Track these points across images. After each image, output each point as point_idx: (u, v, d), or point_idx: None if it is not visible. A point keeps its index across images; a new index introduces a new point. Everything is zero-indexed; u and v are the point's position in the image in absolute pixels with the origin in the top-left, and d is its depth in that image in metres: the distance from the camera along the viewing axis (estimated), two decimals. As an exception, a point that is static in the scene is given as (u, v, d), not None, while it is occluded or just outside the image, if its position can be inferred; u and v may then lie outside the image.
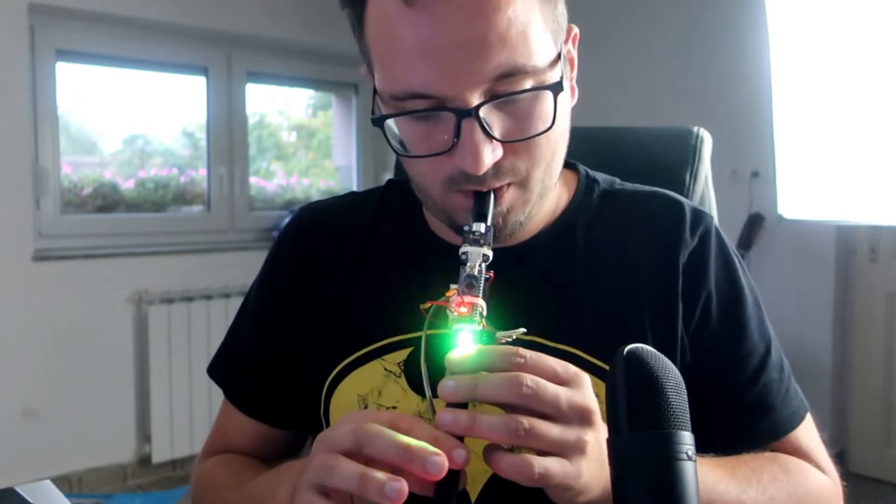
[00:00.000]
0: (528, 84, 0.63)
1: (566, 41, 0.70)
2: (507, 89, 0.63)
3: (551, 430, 0.54)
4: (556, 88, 0.64)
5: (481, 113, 0.62)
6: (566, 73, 0.68)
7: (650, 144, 1.04)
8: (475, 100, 0.62)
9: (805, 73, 2.80)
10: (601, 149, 1.01)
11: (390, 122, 0.66)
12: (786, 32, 2.80)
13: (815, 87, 2.79)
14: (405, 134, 0.67)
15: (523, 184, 0.68)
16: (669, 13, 3.32)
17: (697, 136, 0.99)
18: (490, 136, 0.62)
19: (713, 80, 3.17)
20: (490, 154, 0.63)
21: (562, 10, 0.68)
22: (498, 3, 0.60)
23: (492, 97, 0.62)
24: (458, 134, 0.62)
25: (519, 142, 0.65)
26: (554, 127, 0.66)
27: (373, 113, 0.68)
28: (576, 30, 0.72)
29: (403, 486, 0.51)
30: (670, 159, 1.00)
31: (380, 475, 0.51)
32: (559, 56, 0.66)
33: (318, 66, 3.62)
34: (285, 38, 3.38)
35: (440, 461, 0.51)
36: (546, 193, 0.72)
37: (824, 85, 2.75)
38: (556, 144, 0.69)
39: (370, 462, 0.55)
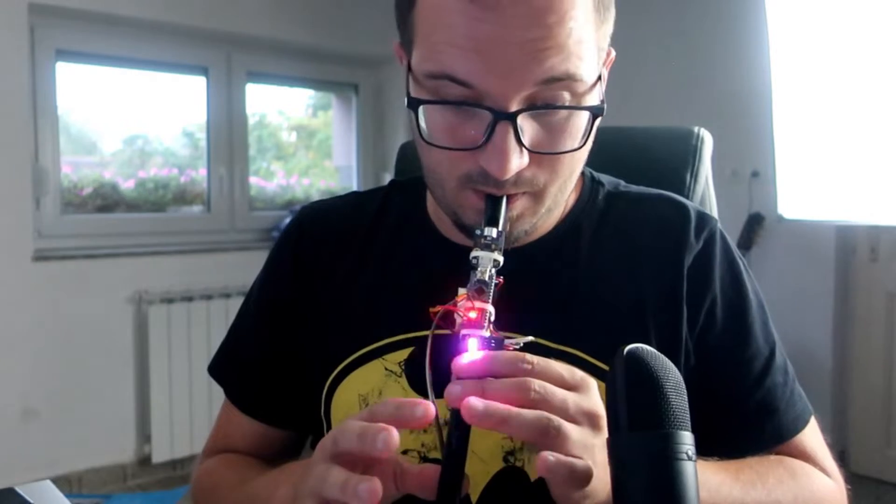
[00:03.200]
0: (569, 98, 0.63)
1: (605, 63, 0.69)
2: (548, 98, 0.62)
3: (574, 431, 0.54)
4: (598, 111, 0.64)
5: (518, 119, 0.61)
6: (603, 96, 0.67)
7: (650, 144, 1.04)
8: (515, 104, 0.61)
9: (805, 73, 2.80)
10: (601, 149, 1.00)
11: (423, 108, 0.65)
12: (786, 32, 2.80)
13: (815, 87, 2.79)
14: (433, 121, 0.65)
15: (538, 195, 0.68)
16: (669, 13, 3.32)
17: (698, 136, 0.99)
18: (521, 144, 0.62)
19: (713, 80, 3.17)
20: (517, 161, 0.62)
21: (609, 30, 0.68)
22: (562, 15, 0.60)
23: (531, 105, 0.62)
24: (490, 134, 0.61)
25: (547, 154, 0.65)
26: (583, 148, 0.66)
27: (407, 94, 0.66)
28: (613, 53, 0.71)
29: (373, 485, 0.51)
30: (670, 159, 0.99)
31: (356, 478, 0.52)
32: (600, 77, 0.66)
33: (318, 66, 3.62)
34: (285, 38, 3.38)
35: (387, 437, 0.51)
36: (555, 207, 0.73)
37: (824, 85, 2.76)
38: (577, 163, 0.70)
39: (370, 466, 0.55)
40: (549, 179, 0.67)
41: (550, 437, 0.53)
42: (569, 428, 0.54)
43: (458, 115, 0.64)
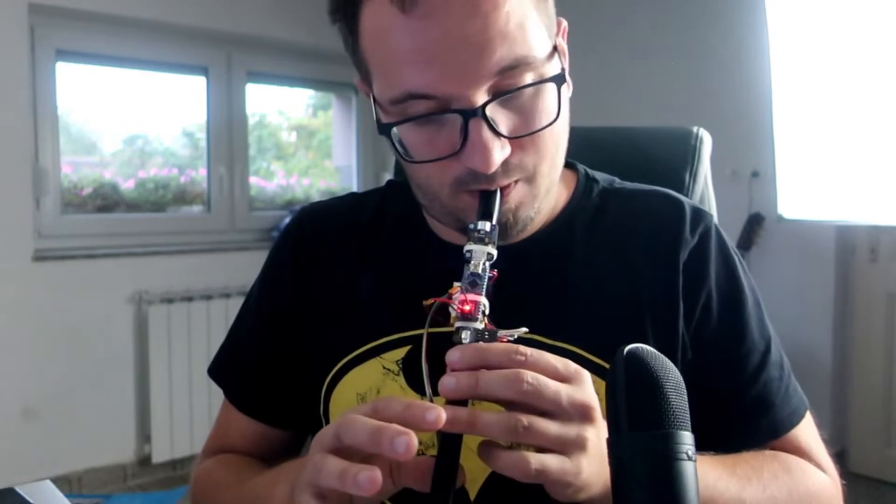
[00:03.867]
0: (530, 78, 0.64)
1: (558, 34, 0.70)
2: (509, 84, 0.63)
3: (550, 426, 0.54)
4: (559, 80, 0.65)
5: (487, 111, 0.62)
6: (564, 65, 0.69)
7: (650, 144, 1.04)
8: (480, 98, 0.62)
9: (805, 73, 2.81)
10: (601, 149, 1.01)
11: (395, 130, 0.66)
12: (786, 32, 2.81)
13: (815, 87, 2.79)
14: (409, 140, 0.66)
15: (531, 179, 0.68)
16: (669, 13, 3.32)
17: (697, 136, 0.99)
18: (498, 134, 0.63)
19: (713, 80, 3.17)
20: (499, 152, 0.63)
21: (552, 2, 0.68)
22: (495, 0, 0.60)
23: (495, 94, 0.62)
24: (465, 134, 0.62)
25: (526, 137, 0.65)
26: (558, 119, 0.66)
27: (377, 122, 0.67)
28: (565, 23, 0.72)
29: (374, 474, 0.50)
30: (670, 159, 1.00)
31: (356, 467, 0.51)
32: (555, 48, 0.67)
33: (318, 66, 3.62)
34: (285, 38, 3.38)
35: (406, 440, 0.51)
36: (552, 188, 0.73)
37: (824, 85, 2.76)
38: (559, 137, 0.70)
39: (367, 459, 0.55)
40: (536, 160, 0.68)
41: (520, 436, 0.53)
42: (542, 424, 0.54)
43: (430, 127, 0.65)
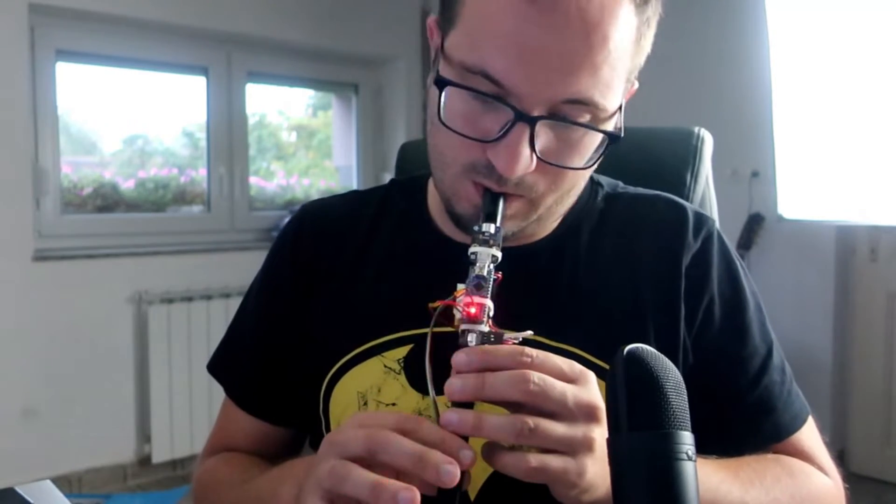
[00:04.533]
0: (588, 119, 0.64)
1: (628, 92, 0.70)
2: (569, 112, 0.63)
3: (557, 428, 0.54)
4: (613, 138, 0.65)
5: (537, 125, 0.62)
6: (620, 125, 0.69)
7: (650, 144, 1.04)
8: (538, 110, 0.62)
9: (805, 73, 2.80)
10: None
11: (447, 89, 0.65)
12: (786, 32, 2.80)
13: (814, 87, 2.79)
14: (454, 105, 0.65)
15: (533, 202, 0.69)
16: (669, 13, 3.31)
17: (698, 136, 0.99)
18: (533, 149, 0.63)
19: (713, 80, 3.17)
20: (525, 164, 0.63)
21: (640, 65, 0.69)
22: (606, 35, 0.61)
23: (552, 115, 0.62)
24: (506, 132, 0.62)
25: (554, 166, 0.65)
26: (589, 168, 0.67)
27: (436, 71, 0.66)
28: (636, 86, 0.72)
29: (416, 495, 0.51)
30: (671, 159, 1.00)
31: (392, 484, 0.51)
32: (620, 107, 0.67)
33: (318, 66, 3.62)
34: (285, 38, 3.38)
35: (454, 471, 0.51)
36: (547, 218, 0.74)
37: (824, 85, 2.75)
38: (578, 181, 0.71)
39: (376, 466, 0.55)
40: (547, 190, 0.68)
41: (525, 438, 0.53)
42: (548, 426, 0.54)
43: (480, 105, 0.64)
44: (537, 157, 0.64)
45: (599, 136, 0.66)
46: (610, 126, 0.66)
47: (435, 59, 0.67)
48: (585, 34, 0.60)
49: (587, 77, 0.61)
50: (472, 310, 0.58)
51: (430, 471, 0.52)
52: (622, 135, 0.66)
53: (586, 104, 0.62)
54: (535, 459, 0.53)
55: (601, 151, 0.66)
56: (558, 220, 0.79)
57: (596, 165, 0.68)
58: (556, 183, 0.68)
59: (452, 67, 0.65)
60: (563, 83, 0.61)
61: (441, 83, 0.64)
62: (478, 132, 0.64)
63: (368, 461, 0.54)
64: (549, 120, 0.62)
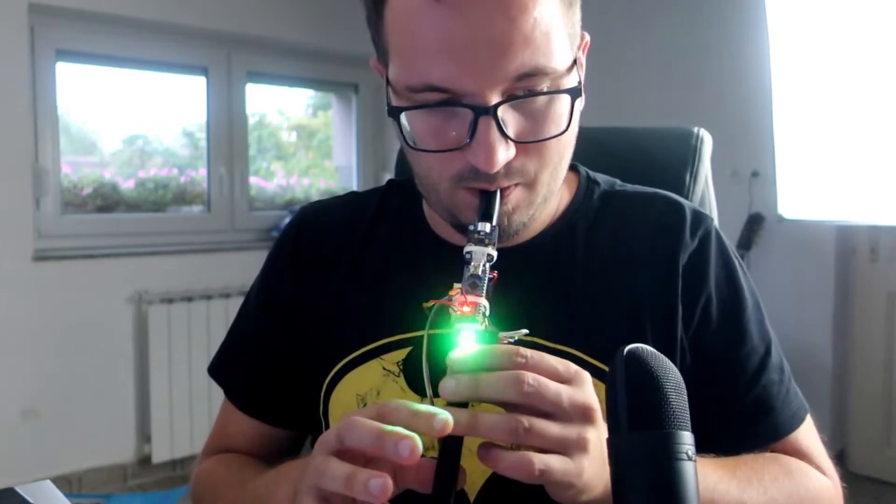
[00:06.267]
0: (546, 86, 0.64)
1: (579, 47, 0.70)
2: (525, 89, 0.63)
3: (551, 428, 0.54)
4: (575, 93, 0.65)
5: (499, 111, 0.62)
6: (581, 78, 0.68)
7: (650, 145, 1.04)
8: (494, 98, 0.62)
9: (805, 73, 2.80)
10: (601, 149, 1.01)
11: (404, 115, 0.66)
12: (786, 32, 2.80)
13: (814, 87, 2.79)
14: (417, 127, 0.66)
15: (530, 185, 0.69)
16: (669, 13, 3.32)
17: (697, 136, 0.99)
18: (505, 136, 0.63)
19: (713, 80, 3.17)
20: (504, 153, 0.63)
21: (578, 16, 0.69)
22: (525, 4, 0.61)
23: (509, 97, 0.63)
24: (473, 131, 0.62)
25: (532, 143, 0.65)
26: (567, 131, 0.66)
27: (387, 104, 0.67)
28: (587, 37, 0.72)
29: (387, 482, 0.50)
30: (670, 160, 1.00)
31: (364, 473, 0.51)
32: (575, 61, 0.67)
33: (318, 66, 3.62)
34: (285, 38, 3.38)
35: (410, 444, 0.51)
36: (550, 196, 0.73)
37: (824, 85, 2.75)
38: (565, 148, 0.70)
39: (370, 461, 0.55)
40: (538, 167, 0.68)
41: (522, 437, 0.53)
42: (543, 425, 0.54)
43: (440, 117, 0.65)
44: (513, 142, 0.64)
45: (566, 98, 0.65)
46: (570, 83, 0.66)
47: (387, 93, 0.68)
48: (504, 12, 0.60)
49: (523, 50, 0.61)
50: (467, 308, 0.58)
51: (388, 447, 0.51)
52: (582, 87, 0.66)
53: (535, 74, 0.62)
54: (538, 461, 0.53)
55: (572, 111, 0.66)
56: (554, 214, 0.79)
57: (575, 125, 0.68)
58: (544, 157, 0.68)
59: (401, 95, 0.65)
60: (503, 65, 0.61)
61: (394, 112, 0.66)
62: (449, 142, 0.65)
63: (346, 453, 0.54)
64: (507, 102, 0.62)
